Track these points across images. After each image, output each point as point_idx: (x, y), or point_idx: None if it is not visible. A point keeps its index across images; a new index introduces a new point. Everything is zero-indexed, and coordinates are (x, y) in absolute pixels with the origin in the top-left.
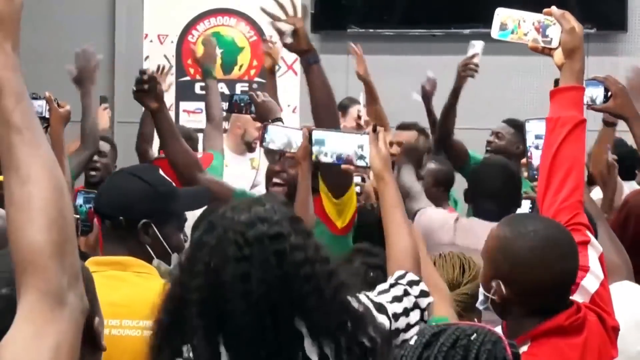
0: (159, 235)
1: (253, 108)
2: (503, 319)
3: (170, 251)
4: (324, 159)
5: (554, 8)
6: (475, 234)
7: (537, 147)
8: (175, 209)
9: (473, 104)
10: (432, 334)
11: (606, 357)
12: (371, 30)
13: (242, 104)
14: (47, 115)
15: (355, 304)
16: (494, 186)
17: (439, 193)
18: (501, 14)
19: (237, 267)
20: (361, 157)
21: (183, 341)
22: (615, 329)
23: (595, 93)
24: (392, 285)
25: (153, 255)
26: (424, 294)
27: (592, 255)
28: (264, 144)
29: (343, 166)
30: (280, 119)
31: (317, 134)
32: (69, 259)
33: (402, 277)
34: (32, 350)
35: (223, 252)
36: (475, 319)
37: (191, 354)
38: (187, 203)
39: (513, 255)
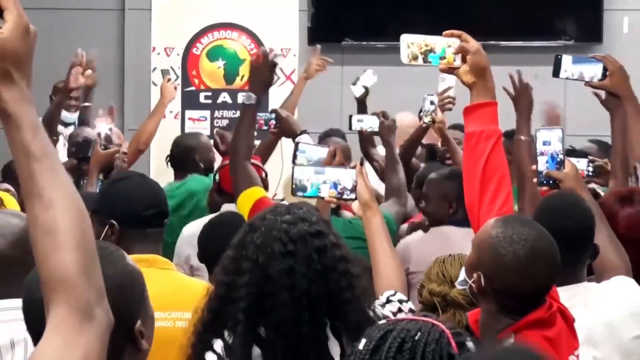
0: None
1: (275, 123)
2: (477, 304)
3: None
4: (323, 187)
5: (454, 31)
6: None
7: (541, 154)
8: None
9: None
10: (379, 337)
11: (571, 347)
12: (364, 43)
13: (266, 121)
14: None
15: (371, 314)
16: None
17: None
18: (406, 40)
19: (282, 262)
20: (347, 190)
21: (218, 337)
22: (574, 321)
23: (594, 71)
24: (387, 301)
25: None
26: (412, 311)
27: None
28: (295, 161)
29: (326, 199)
30: (305, 131)
31: (314, 167)
32: (94, 276)
33: (393, 295)
34: None
35: (269, 248)
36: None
37: (223, 352)
38: None
39: (498, 258)
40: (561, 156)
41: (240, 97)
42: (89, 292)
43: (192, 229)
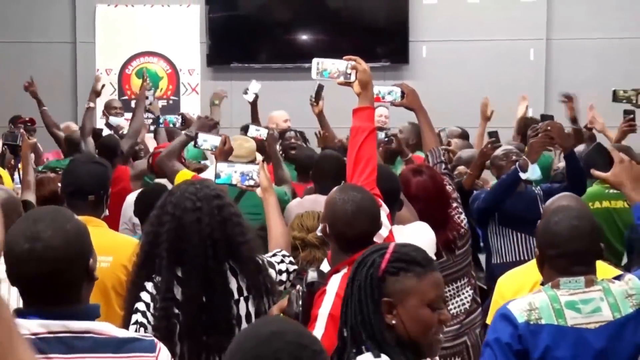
0: (109, 197)
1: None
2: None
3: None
4: (234, 176)
5: (351, 56)
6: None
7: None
8: None
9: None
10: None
11: None
12: (247, 65)
13: (171, 121)
14: (20, 143)
15: (259, 260)
16: (331, 170)
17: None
18: (315, 61)
19: (192, 214)
20: (251, 179)
21: (153, 271)
22: None
23: (394, 94)
24: (273, 255)
25: (105, 210)
26: (292, 263)
27: (383, 214)
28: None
29: (239, 185)
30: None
31: (228, 163)
32: None
33: (279, 251)
34: None
35: (183, 205)
36: (327, 250)
37: (158, 279)
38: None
39: (334, 212)
40: None
41: (190, 131)
42: None
43: (134, 197)
